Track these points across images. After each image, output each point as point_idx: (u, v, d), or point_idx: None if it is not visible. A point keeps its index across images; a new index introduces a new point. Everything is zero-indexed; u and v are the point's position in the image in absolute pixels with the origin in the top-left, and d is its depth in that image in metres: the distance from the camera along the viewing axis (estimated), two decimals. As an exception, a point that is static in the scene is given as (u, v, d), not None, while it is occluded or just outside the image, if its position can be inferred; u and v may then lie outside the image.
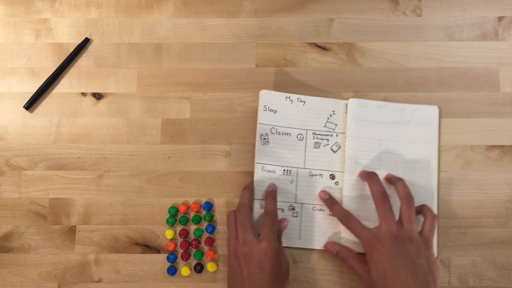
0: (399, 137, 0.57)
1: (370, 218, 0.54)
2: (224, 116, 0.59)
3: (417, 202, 0.53)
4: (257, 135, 0.56)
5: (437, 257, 0.55)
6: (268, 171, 0.56)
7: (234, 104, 0.59)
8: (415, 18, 0.61)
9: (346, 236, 0.54)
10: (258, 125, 0.57)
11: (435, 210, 0.55)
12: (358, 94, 0.59)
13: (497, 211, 0.56)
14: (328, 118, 0.57)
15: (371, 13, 0.61)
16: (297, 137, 0.57)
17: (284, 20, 0.61)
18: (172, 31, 0.61)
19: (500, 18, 0.60)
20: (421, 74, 0.59)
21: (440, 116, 0.58)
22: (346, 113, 0.57)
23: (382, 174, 0.55)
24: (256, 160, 0.56)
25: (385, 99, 0.58)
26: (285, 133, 0.57)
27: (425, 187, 0.55)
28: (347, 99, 0.58)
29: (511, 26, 0.60)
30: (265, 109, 0.57)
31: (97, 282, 0.55)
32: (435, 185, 0.56)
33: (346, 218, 0.53)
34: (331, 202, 0.54)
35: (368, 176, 0.54)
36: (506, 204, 0.56)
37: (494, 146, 0.57)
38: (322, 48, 0.60)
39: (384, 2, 0.61)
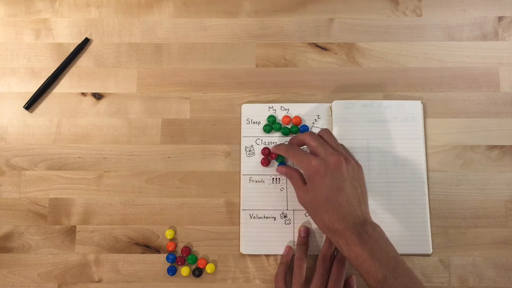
0: (386, 135, 0.57)
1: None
2: (224, 116, 0.59)
3: (410, 198, 0.55)
4: (242, 148, 0.57)
5: (437, 257, 0.55)
6: (256, 181, 0.56)
7: (234, 104, 0.59)
8: (415, 18, 0.61)
9: None
10: (242, 138, 0.57)
11: (426, 205, 0.55)
12: (358, 94, 0.59)
13: (497, 211, 0.56)
14: (313, 123, 0.58)
15: (371, 13, 0.61)
16: None
17: (284, 20, 0.61)
18: (172, 31, 0.61)
19: (500, 18, 0.60)
20: (421, 74, 0.59)
21: (440, 116, 0.58)
22: (331, 116, 0.57)
23: (372, 173, 0.56)
24: (242, 172, 0.57)
25: (385, 99, 0.58)
26: (271, 142, 0.57)
27: (416, 182, 0.56)
28: (346, 99, 0.58)
29: (511, 26, 0.60)
30: (248, 122, 0.58)
31: (97, 282, 0.55)
32: (425, 180, 0.56)
33: (289, 149, 0.53)
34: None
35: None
36: (506, 204, 0.56)
37: (494, 146, 0.57)
38: (322, 48, 0.60)
39: (384, 2, 0.61)
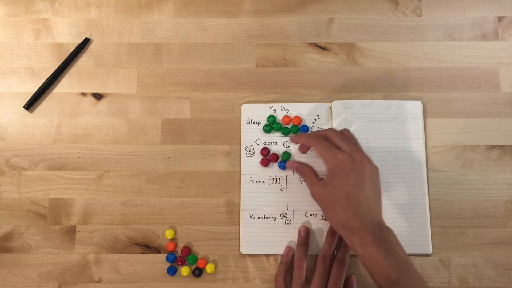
0: (386, 135, 0.57)
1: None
2: (224, 116, 0.59)
3: (410, 199, 0.55)
4: (242, 147, 0.57)
5: (437, 257, 0.55)
6: (256, 181, 0.56)
7: (234, 104, 0.59)
8: (415, 18, 0.61)
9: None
10: (242, 138, 0.57)
11: (426, 205, 0.55)
12: (358, 94, 0.59)
13: (497, 211, 0.56)
14: (313, 123, 0.58)
15: (371, 13, 0.61)
16: (283, 145, 0.57)
17: (284, 20, 0.61)
18: (172, 31, 0.61)
19: (500, 18, 0.60)
20: (421, 74, 0.59)
21: (440, 116, 0.58)
22: (331, 116, 0.57)
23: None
24: (242, 172, 0.57)
25: (385, 99, 0.58)
26: (271, 142, 0.57)
27: (416, 182, 0.56)
28: (346, 99, 0.58)
29: (511, 26, 0.60)
30: (248, 122, 0.58)
31: (97, 282, 0.55)
32: (425, 180, 0.56)
33: (313, 138, 0.51)
34: (295, 136, 0.54)
35: (297, 139, 0.54)
36: (506, 204, 0.56)
37: (494, 146, 0.57)
38: (322, 48, 0.60)
39: (384, 2, 0.61)
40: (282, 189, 0.56)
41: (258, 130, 0.58)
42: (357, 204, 0.47)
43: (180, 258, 0.55)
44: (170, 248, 0.55)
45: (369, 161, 0.50)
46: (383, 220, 0.49)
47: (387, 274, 0.44)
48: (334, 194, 0.48)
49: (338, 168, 0.49)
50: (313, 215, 0.55)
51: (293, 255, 0.54)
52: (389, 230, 0.48)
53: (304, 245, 0.54)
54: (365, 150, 0.56)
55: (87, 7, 0.62)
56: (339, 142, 0.50)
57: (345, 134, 0.52)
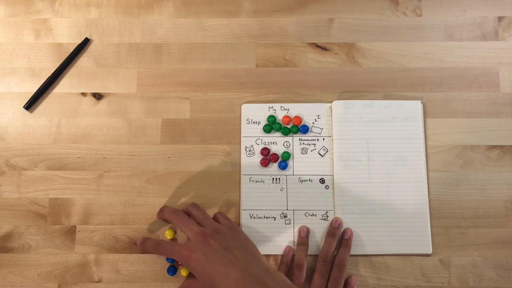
0: (386, 135, 0.57)
1: (364, 218, 0.55)
2: (224, 116, 0.59)
3: (410, 199, 0.55)
4: (242, 148, 0.57)
5: (437, 257, 0.55)
6: (256, 181, 0.56)
7: (234, 104, 0.59)
8: (415, 18, 0.61)
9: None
10: (242, 138, 0.57)
11: (426, 205, 0.55)
12: (358, 94, 0.59)
13: (497, 211, 0.56)
14: (313, 123, 0.58)
15: (371, 13, 0.61)
16: (283, 145, 0.57)
17: (284, 20, 0.61)
18: (172, 31, 0.61)
19: (500, 18, 0.60)
20: (421, 74, 0.59)
21: (440, 116, 0.58)
22: (331, 116, 0.57)
23: (372, 173, 0.56)
24: (242, 172, 0.57)
25: (385, 99, 0.58)
26: (271, 142, 0.57)
27: (416, 182, 0.56)
28: (346, 99, 0.58)
29: (511, 26, 0.60)
30: (248, 122, 0.58)
31: (97, 282, 0.55)
32: (425, 180, 0.56)
33: (158, 246, 0.53)
34: (143, 243, 0.54)
35: (160, 214, 0.55)
36: (506, 204, 0.56)
37: (494, 146, 0.57)
38: (322, 48, 0.60)
39: (384, 2, 0.61)
40: (282, 189, 0.56)
41: (258, 130, 0.58)
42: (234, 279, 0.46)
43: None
44: (170, 248, 0.55)
45: (214, 233, 0.50)
46: (268, 269, 0.48)
47: None
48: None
49: (198, 242, 0.49)
50: (313, 215, 0.55)
51: (293, 255, 0.54)
52: (274, 276, 0.47)
53: (304, 245, 0.54)
54: (365, 150, 0.56)
55: (87, 7, 0.62)
56: (201, 219, 0.52)
57: (192, 213, 0.54)
